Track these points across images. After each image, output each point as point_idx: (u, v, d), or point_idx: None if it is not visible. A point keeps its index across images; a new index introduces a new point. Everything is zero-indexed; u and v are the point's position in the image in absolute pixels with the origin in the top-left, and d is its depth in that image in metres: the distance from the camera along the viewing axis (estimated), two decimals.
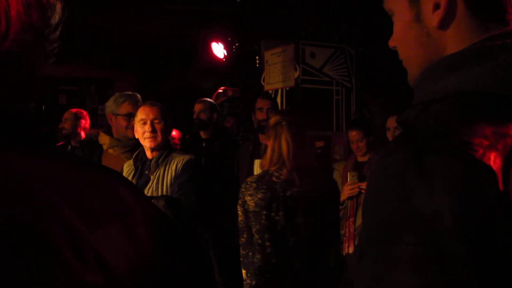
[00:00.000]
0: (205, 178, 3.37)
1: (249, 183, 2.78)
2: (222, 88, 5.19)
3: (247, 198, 2.74)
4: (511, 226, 0.70)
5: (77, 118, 5.04)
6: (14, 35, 0.70)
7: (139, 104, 3.49)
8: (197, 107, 4.64)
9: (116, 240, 0.66)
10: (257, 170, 4.13)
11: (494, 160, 0.71)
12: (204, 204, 3.13)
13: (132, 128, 3.26)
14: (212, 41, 6.68)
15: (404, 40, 0.96)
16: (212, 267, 3.95)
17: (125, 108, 3.49)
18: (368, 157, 4.21)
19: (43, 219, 0.62)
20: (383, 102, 5.80)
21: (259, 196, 2.68)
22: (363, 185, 4.05)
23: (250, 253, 2.72)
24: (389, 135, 4.35)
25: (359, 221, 4.01)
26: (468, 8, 0.86)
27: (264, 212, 2.66)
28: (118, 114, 3.50)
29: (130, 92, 3.67)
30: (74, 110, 5.19)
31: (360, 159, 4.29)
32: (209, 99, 4.82)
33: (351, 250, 4.00)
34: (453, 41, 0.88)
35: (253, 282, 2.66)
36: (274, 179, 2.69)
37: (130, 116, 3.39)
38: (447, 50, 0.89)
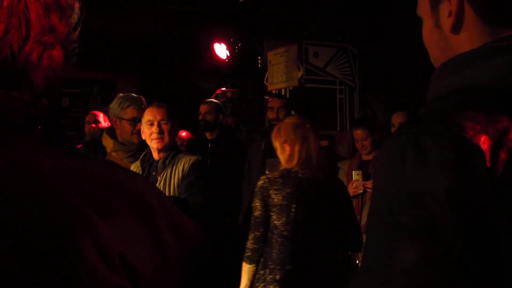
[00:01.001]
0: (211, 178, 3.37)
1: (272, 178, 2.92)
2: (221, 89, 5.20)
3: (272, 192, 2.86)
4: (498, 200, 0.76)
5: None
6: (35, 37, 0.71)
7: (143, 107, 3.48)
8: (203, 108, 4.64)
9: (142, 245, 0.67)
10: (267, 169, 4.15)
11: (483, 141, 0.78)
12: (211, 204, 3.14)
13: (138, 133, 3.26)
14: (215, 42, 6.69)
15: (429, 44, 1.05)
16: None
17: (130, 113, 3.44)
18: (373, 155, 4.22)
19: (71, 223, 0.63)
20: (386, 100, 5.81)
21: (288, 190, 2.84)
22: (368, 183, 4.06)
23: (267, 248, 2.83)
24: None
25: (364, 219, 4.03)
26: (476, 14, 0.93)
27: (293, 205, 2.81)
28: (122, 119, 3.45)
29: (135, 95, 3.61)
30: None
31: (365, 157, 4.30)
32: (214, 100, 4.83)
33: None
34: (466, 44, 0.95)
35: (277, 276, 2.73)
36: (300, 175, 2.88)
37: (135, 121, 3.38)
38: (461, 52, 0.96)
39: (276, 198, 2.85)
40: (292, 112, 5.51)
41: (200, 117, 4.63)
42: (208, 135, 4.64)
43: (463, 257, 0.76)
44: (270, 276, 2.75)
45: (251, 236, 2.87)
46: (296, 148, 2.93)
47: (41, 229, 0.61)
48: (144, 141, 3.20)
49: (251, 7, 5.59)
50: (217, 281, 0.83)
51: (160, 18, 6.01)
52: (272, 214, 2.86)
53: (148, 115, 3.10)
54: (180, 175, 3.02)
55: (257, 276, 2.82)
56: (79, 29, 0.79)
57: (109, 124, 4.17)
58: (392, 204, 0.81)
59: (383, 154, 0.89)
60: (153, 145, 3.08)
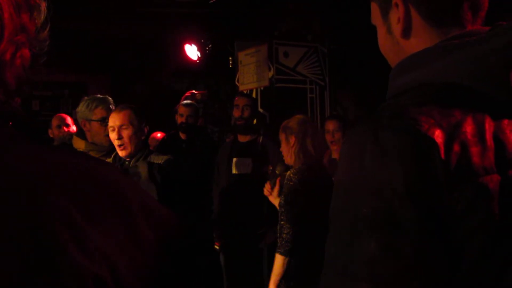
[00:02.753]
0: (186, 178, 3.38)
1: (305, 173, 3.00)
2: (190, 91, 5.19)
3: (311, 185, 2.94)
4: (452, 190, 0.81)
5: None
6: (8, 36, 0.72)
7: (111, 107, 3.44)
8: (185, 111, 4.61)
9: (120, 239, 0.68)
10: (234, 169, 4.16)
11: (438, 135, 0.82)
12: (186, 204, 3.15)
13: (108, 133, 3.26)
14: (185, 43, 6.69)
15: (384, 50, 1.10)
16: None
17: (99, 113, 3.39)
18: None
19: (48, 218, 0.63)
20: (357, 98, 5.89)
21: (322, 183, 2.94)
22: None
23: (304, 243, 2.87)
24: None
25: None
26: (423, 18, 0.99)
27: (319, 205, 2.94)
28: (92, 120, 3.40)
29: (101, 96, 3.56)
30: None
31: (334, 155, 4.36)
32: (195, 103, 4.83)
33: None
34: (417, 47, 0.99)
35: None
36: (326, 164, 3.16)
37: (105, 121, 3.33)
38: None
39: (315, 190, 2.92)
40: (261, 110, 5.55)
41: (181, 119, 4.61)
42: (182, 135, 4.65)
43: (422, 246, 0.80)
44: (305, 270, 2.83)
45: (291, 230, 2.88)
46: (308, 142, 3.05)
47: (18, 225, 0.61)
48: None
49: (221, 8, 5.61)
50: (193, 268, 0.85)
51: (131, 20, 5.99)
52: (310, 208, 2.89)
53: (111, 120, 3.07)
54: None
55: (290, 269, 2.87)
56: (47, 28, 0.80)
57: (76, 129, 4.13)
58: (352, 197, 0.85)
59: (344, 148, 0.92)
60: (119, 153, 3.07)
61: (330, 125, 4.32)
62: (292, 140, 3.05)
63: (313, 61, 5.97)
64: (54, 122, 5.15)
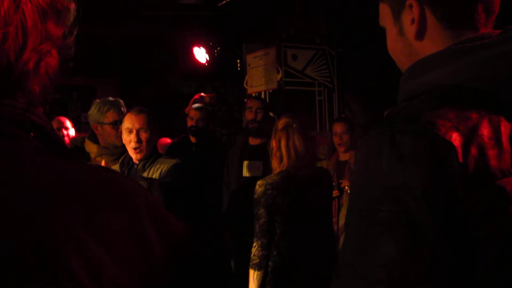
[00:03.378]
0: (196, 181, 3.38)
1: (274, 184, 2.87)
2: (199, 94, 5.20)
3: (277, 197, 2.83)
4: (471, 193, 0.81)
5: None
6: (32, 45, 0.70)
7: (122, 109, 3.47)
8: (196, 114, 4.62)
9: (129, 256, 0.67)
10: (245, 172, 4.15)
11: (455, 138, 0.82)
12: (195, 207, 3.15)
13: (120, 136, 3.24)
14: (194, 46, 6.70)
15: (394, 51, 1.09)
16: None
17: (110, 116, 3.42)
18: (349, 155, 4.26)
19: (56, 238, 0.62)
20: (365, 101, 5.88)
21: (292, 194, 2.84)
22: (345, 182, 4.11)
23: (275, 252, 2.82)
24: None
25: (342, 221, 4.09)
26: (438, 20, 0.99)
27: (297, 210, 2.83)
28: (104, 123, 3.42)
29: (112, 98, 3.57)
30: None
31: (341, 157, 4.34)
32: (205, 107, 4.85)
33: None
34: (430, 49, 1.00)
35: (286, 280, 2.78)
36: (299, 176, 2.87)
37: (117, 124, 3.36)
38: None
39: (281, 202, 2.83)
40: (271, 114, 5.54)
41: (191, 123, 4.62)
42: (192, 139, 4.65)
43: (440, 249, 0.80)
44: (279, 281, 2.78)
45: (258, 243, 2.84)
46: (283, 148, 2.93)
47: (23, 243, 0.60)
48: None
49: (229, 10, 5.61)
50: (209, 276, 0.84)
51: (138, 23, 6.00)
52: (278, 219, 2.84)
53: (128, 121, 3.06)
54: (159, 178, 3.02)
55: (266, 281, 2.82)
56: (75, 32, 0.77)
57: (76, 134, 4.12)
58: (370, 200, 0.85)
59: (360, 152, 0.92)
60: (132, 155, 3.07)
61: (338, 128, 4.31)
62: (273, 144, 3.00)
63: (321, 64, 5.97)
64: (53, 125, 5.17)
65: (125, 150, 3.19)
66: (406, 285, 0.80)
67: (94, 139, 3.49)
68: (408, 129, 0.84)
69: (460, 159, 0.81)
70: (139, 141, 3.02)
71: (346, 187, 4.11)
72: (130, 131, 3.04)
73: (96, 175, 0.72)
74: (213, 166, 4.40)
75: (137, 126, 3.03)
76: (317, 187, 2.90)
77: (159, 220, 0.74)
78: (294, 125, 2.93)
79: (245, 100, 4.54)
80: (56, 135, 0.76)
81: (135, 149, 3.04)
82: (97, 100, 3.56)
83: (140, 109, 3.12)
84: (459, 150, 0.81)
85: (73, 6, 0.76)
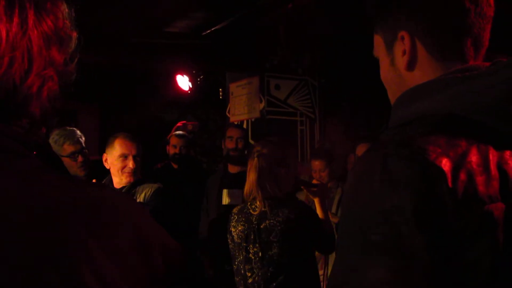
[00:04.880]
0: (177, 207, 3.39)
1: (233, 214, 2.80)
2: (182, 122, 5.23)
3: (232, 229, 2.76)
4: (459, 217, 0.83)
5: None
6: (36, 70, 0.72)
7: (80, 139, 3.43)
8: (178, 142, 4.67)
9: (135, 271, 0.69)
10: (225, 200, 4.15)
11: (445, 164, 0.85)
12: (177, 233, 3.14)
13: (82, 166, 3.30)
14: (177, 73, 6.74)
15: (386, 81, 1.13)
16: None
17: (67, 149, 3.38)
18: (329, 186, 4.29)
19: (72, 255, 0.64)
20: (345, 132, 5.94)
21: (240, 228, 2.71)
22: None
23: (241, 281, 2.74)
24: None
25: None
26: (428, 52, 1.03)
27: (244, 244, 2.67)
28: (62, 156, 3.36)
29: (68, 128, 3.53)
30: None
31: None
32: (187, 135, 4.88)
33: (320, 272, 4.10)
34: (420, 80, 1.03)
35: None
36: (251, 211, 2.70)
37: (75, 155, 3.35)
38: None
39: (234, 235, 2.75)
40: (252, 142, 5.57)
41: (173, 150, 4.65)
42: (174, 165, 4.68)
43: (431, 272, 0.81)
44: None
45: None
46: (249, 179, 2.74)
47: (40, 259, 0.61)
48: (91, 171, 3.22)
49: (214, 39, 5.68)
50: None
51: (122, 49, 6.03)
52: (235, 250, 2.76)
53: (122, 148, 3.08)
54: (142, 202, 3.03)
55: None
56: (76, 60, 0.81)
57: None
58: (362, 223, 0.86)
59: (353, 175, 0.94)
60: (124, 178, 3.09)
61: (316, 165, 4.35)
62: None
63: (303, 94, 6.05)
64: None
65: (90, 179, 3.19)
66: None
67: None
68: (399, 154, 0.86)
69: (450, 184, 0.83)
70: (135, 167, 3.07)
71: None
72: (126, 157, 3.07)
73: (100, 192, 0.74)
74: (195, 193, 4.41)
75: (133, 152, 3.09)
76: (275, 225, 2.62)
77: (160, 237, 0.76)
78: (255, 154, 2.74)
79: (226, 128, 4.58)
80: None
81: (129, 172, 3.07)
82: (56, 131, 3.51)
83: (132, 136, 3.16)
84: (449, 175, 0.84)
85: (75, 34, 0.80)
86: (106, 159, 3.16)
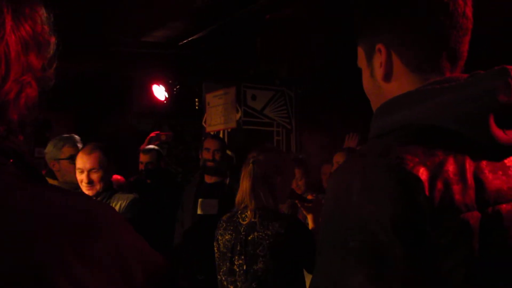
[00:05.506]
0: (151, 220, 3.37)
1: (221, 221, 2.67)
2: (155, 132, 5.22)
3: (219, 237, 2.63)
4: (436, 225, 0.84)
5: None
6: (14, 76, 0.71)
7: (78, 145, 3.47)
8: (144, 158, 4.73)
9: (114, 282, 0.69)
10: (200, 209, 4.13)
11: (422, 172, 0.86)
12: (152, 244, 3.12)
13: None
14: (153, 83, 6.71)
15: (368, 91, 1.15)
16: None
17: (67, 151, 3.47)
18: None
19: (47, 261, 0.63)
20: (321, 142, 5.98)
21: (227, 237, 2.58)
22: None
23: None
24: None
25: None
26: (404, 64, 1.05)
27: (229, 255, 2.54)
28: (61, 159, 3.47)
29: (67, 135, 3.65)
30: None
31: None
32: (155, 148, 4.88)
33: None
34: (397, 91, 1.05)
35: None
36: (240, 220, 2.55)
37: (73, 158, 3.35)
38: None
39: (220, 243, 2.61)
40: (229, 153, 5.57)
41: (141, 166, 4.70)
42: (147, 180, 4.68)
43: (408, 279, 0.83)
44: None
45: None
46: (242, 187, 2.59)
47: (17, 268, 0.61)
48: None
49: (190, 49, 5.67)
50: None
51: (98, 59, 5.99)
52: (220, 260, 2.62)
53: (79, 162, 3.06)
54: None
55: None
56: (54, 65, 0.79)
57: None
58: (341, 231, 0.88)
59: (332, 184, 0.96)
60: (85, 191, 3.06)
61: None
62: None
63: (280, 105, 6.08)
64: None
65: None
66: None
67: (52, 176, 3.47)
68: (378, 163, 0.88)
69: (427, 193, 0.85)
70: (90, 182, 3.03)
71: None
72: (82, 172, 3.05)
73: (76, 201, 0.73)
74: (169, 204, 4.40)
75: (87, 166, 3.03)
76: (263, 238, 2.47)
77: (138, 247, 0.75)
78: (250, 162, 2.59)
79: (203, 139, 4.58)
80: (34, 164, 0.77)
81: (86, 186, 3.05)
82: (54, 138, 3.62)
83: (92, 148, 3.10)
84: (426, 184, 0.85)
85: (53, 40, 0.79)
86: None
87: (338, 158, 4.50)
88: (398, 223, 0.83)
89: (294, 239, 2.46)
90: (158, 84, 6.69)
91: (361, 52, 1.13)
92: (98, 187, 3.04)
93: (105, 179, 3.10)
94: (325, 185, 4.49)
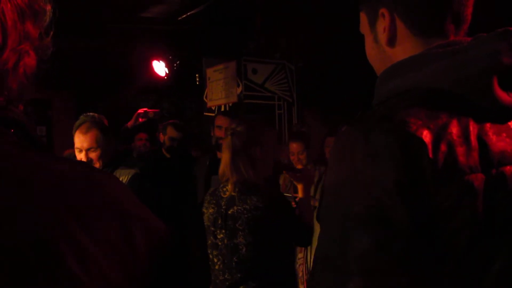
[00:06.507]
0: (153, 194, 3.37)
1: (207, 195, 2.69)
2: (143, 109, 5.20)
3: (204, 210, 2.64)
4: (440, 188, 0.85)
5: None
6: (11, 45, 0.70)
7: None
8: (175, 134, 4.69)
9: (117, 251, 0.68)
10: (214, 185, 4.14)
11: (425, 135, 0.86)
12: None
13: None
14: (153, 60, 6.68)
15: (371, 57, 1.15)
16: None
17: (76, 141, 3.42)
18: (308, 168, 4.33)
19: (52, 234, 0.62)
20: (322, 115, 5.98)
21: (210, 211, 2.58)
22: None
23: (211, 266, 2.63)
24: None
25: None
26: (408, 28, 1.04)
27: (212, 229, 2.56)
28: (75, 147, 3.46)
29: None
30: None
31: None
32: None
33: (300, 255, 4.16)
34: (402, 56, 1.04)
35: None
36: (221, 194, 2.56)
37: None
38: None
39: (205, 218, 2.62)
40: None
41: (163, 139, 4.71)
42: (166, 154, 4.69)
43: (411, 242, 0.84)
44: None
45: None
46: (222, 160, 2.61)
47: (22, 240, 0.61)
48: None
49: (190, 25, 5.64)
50: (185, 274, 0.85)
51: (97, 36, 5.96)
52: (206, 233, 2.62)
53: (76, 141, 3.03)
54: None
55: None
56: (51, 33, 0.77)
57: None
58: (344, 196, 0.88)
59: (335, 150, 0.96)
60: None
61: (294, 147, 4.35)
62: None
63: (281, 78, 6.06)
64: None
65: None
66: (378, 276, 0.83)
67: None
68: (381, 127, 0.88)
69: (430, 155, 0.85)
70: (89, 161, 3.00)
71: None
72: (80, 151, 3.03)
73: (79, 169, 0.73)
74: (184, 181, 4.43)
75: (85, 145, 3.01)
76: (242, 212, 2.46)
77: (142, 217, 0.75)
78: (229, 134, 2.60)
79: (206, 114, 4.58)
80: (35, 133, 0.76)
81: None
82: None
83: (88, 127, 3.05)
84: (429, 147, 0.85)
85: (49, 8, 0.77)
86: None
87: (329, 142, 4.48)
88: (402, 186, 0.83)
89: (273, 213, 2.45)
90: (158, 60, 6.66)
91: (363, 18, 1.13)
92: (97, 165, 3.02)
93: (105, 156, 3.07)
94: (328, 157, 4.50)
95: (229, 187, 2.52)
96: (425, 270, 0.85)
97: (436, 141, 0.87)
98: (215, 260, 2.55)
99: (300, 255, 4.20)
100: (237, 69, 5.86)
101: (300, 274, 4.19)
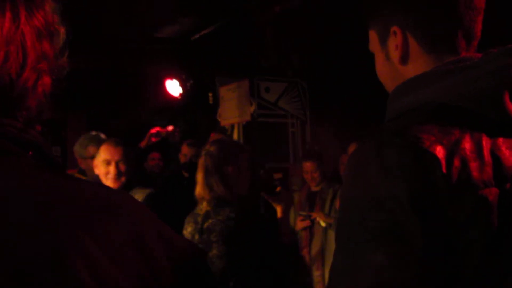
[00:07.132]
0: (169, 214, 3.38)
1: (187, 217, 2.75)
2: (156, 128, 5.23)
3: (184, 232, 2.70)
4: (454, 202, 0.85)
5: None
6: (31, 64, 0.72)
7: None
8: (189, 151, 4.73)
9: (133, 266, 0.68)
10: None
11: (439, 151, 0.86)
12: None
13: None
14: (166, 79, 6.73)
15: (382, 75, 1.15)
16: None
17: (91, 151, 3.49)
18: (321, 186, 4.34)
19: (68, 253, 0.63)
20: (336, 133, 5.97)
21: (188, 230, 2.67)
22: (315, 214, 4.17)
23: None
24: None
25: (314, 249, 4.20)
26: (420, 46, 1.05)
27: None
28: (86, 158, 3.56)
29: (94, 133, 3.71)
30: None
31: (313, 189, 4.41)
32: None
33: (317, 273, 4.14)
34: (414, 73, 1.05)
35: None
36: (198, 211, 2.67)
37: None
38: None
39: (185, 235, 2.67)
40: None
41: (184, 159, 4.73)
42: (184, 174, 4.72)
43: (426, 256, 0.83)
44: None
45: None
46: (198, 180, 2.69)
47: (37, 256, 0.61)
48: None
49: (203, 44, 5.69)
50: None
51: (111, 55, 6.02)
52: None
53: (105, 153, 3.06)
54: None
55: None
56: (66, 54, 0.80)
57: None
58: (359, 211, 0.88)
59: (349, 165, 0.96)
60: (109, 184, 3.04)
61: (307, 166, 4.39)
62: None
63: (294, 96, 6.08)
64: None
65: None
66: None
67: (83, 173, 3.56)
68: (393, 143, 0.88)
69: (444, 170, 0.85)
70: (118, 173, 3.02)
71: (317, 218, 4.16)
72: (109, 163, 3.04)
73: (95, 189, 0.74)
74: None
75: (116, 158, 3.03)
76: (215, 225, 2.55)
77: (161, 233, 0.75)
78: (202, 153, 2.72)
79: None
80: (52, 154, 0.78)
81: (113, 177, 3.03)
82: (83, 135, 3.72)
83: (117, 141, 3.14)
84: (443, 162, 0.85)
85: (62, 30, 0.79)
86: (95, 164, 3.16)
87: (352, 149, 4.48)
88: (416, 202, 0.83)
89: (245, 223, 2.53)
90: (171, 79, 6.71)
91: (373, 36, 1.13)
92: (123, 179, 3.04)
93: (129, 173, 3.11)
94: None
95: (204, 204, 2.62)
96: (441, 283, 0.85)
97: (450, 156, 0.87)
98: None
99: (317, 273, 4.18)
100: (250, 88, 5.88)
101: None
